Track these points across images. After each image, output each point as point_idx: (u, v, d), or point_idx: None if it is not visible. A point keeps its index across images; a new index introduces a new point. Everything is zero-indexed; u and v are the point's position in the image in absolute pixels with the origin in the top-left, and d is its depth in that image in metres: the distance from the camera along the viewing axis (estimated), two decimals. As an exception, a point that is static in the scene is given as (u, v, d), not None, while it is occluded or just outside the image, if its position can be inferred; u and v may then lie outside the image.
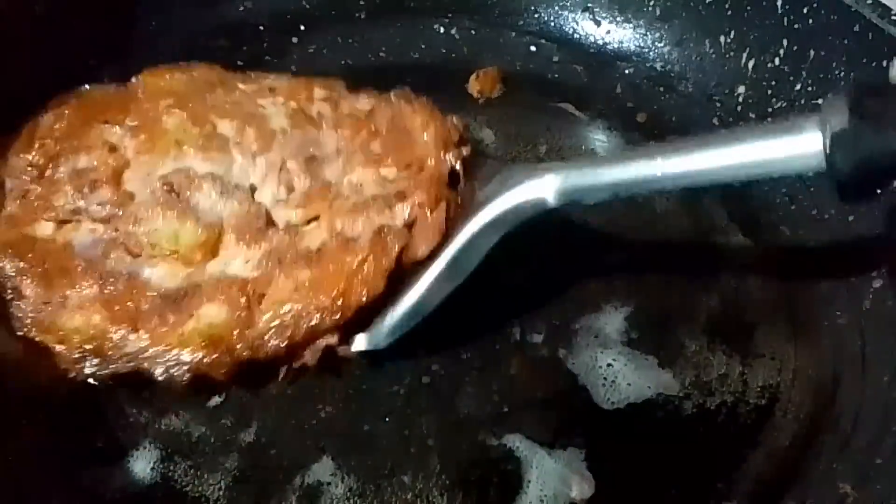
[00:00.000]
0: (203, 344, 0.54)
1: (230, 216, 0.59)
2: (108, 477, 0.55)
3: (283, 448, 0.57)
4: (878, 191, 0.49)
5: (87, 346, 0.55)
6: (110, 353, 0.55)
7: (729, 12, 0.77)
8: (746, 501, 0.55)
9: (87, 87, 0.67)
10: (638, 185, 0.53)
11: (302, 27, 0.84)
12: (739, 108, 0.76)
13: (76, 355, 0.55)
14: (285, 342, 0.55)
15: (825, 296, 0.64)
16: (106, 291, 0.56)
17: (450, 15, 0.85)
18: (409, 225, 0.59)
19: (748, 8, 0.75)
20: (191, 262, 0.58)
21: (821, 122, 0.46)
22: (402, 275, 0.58)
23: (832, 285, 0.64)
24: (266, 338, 0.55)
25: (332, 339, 0.56)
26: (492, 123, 0.78)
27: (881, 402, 0.56)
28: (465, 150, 0.64)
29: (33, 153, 0.62)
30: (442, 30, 0.85)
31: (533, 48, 0.84)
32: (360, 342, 0.58)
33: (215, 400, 0.59)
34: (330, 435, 0.58)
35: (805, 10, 0.70)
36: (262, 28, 0.83)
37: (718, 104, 0.77)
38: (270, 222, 0.60)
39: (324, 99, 0.68)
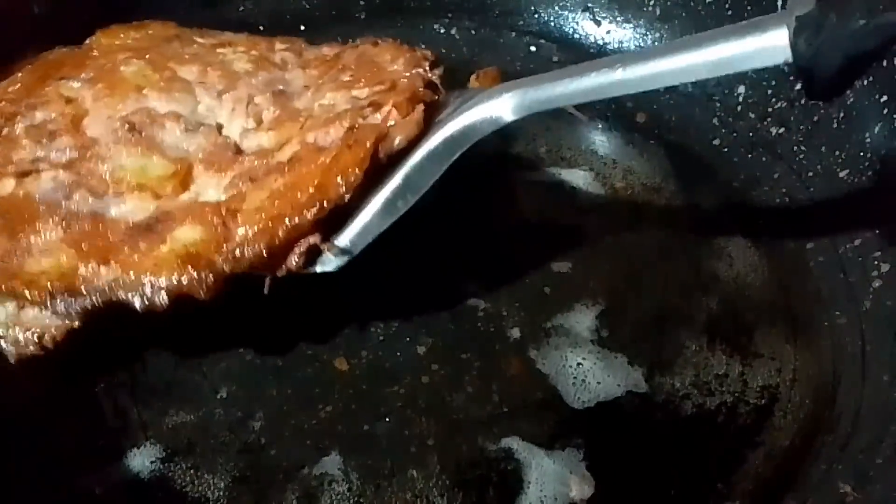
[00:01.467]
0: (180, 264, 0.52)
1: (197, 150, 0.58)
2: (109, 477, 0.55)
3: (283, 448, 0.57)
4: (845, 86, 0.49)
5: (57, 283, 0.53)
6: (82, 287, 0.53)
7: (729, 12, 0.77)
8: (746, 502, 0.55)
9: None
10: (598, 93, 0.53)
11: (302, 27, 0.84)
12: (739, 108, 0.76)
13: (45, 296, 0.53)
14: (266, 247, 0.53)
15: (825, 296, 0.64)
16: (71, 231, 0.54)
17: (450, 15, 0.85)
18: (389, 128, 0.57)
19: (748, 8, 0.75)
20: (160, 195, 0.56)
21: (786, 15, 0.46)
22: (380, 169, 0.56)
23: (832, 285, 0.64)
24: (245, 247, 0.53)
25: (314, 239, 0.54)
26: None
27: (881, 402, 0.56)
28: (438, 71, 0.63)
29: None
30: (442, 30, 0.85)
31: (533, 48, 0.84)
32: (339, 241, 0.56)
33: (216, 398, 0.59)
34: (330, 435, 0.58)
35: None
36: (261, 28, 0.83)
37: (718, 104, 0.77)
38: (239, 151, 0.58)
39: (285, 49, 0.67)
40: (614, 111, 0.79)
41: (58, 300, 0.52)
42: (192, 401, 0.59)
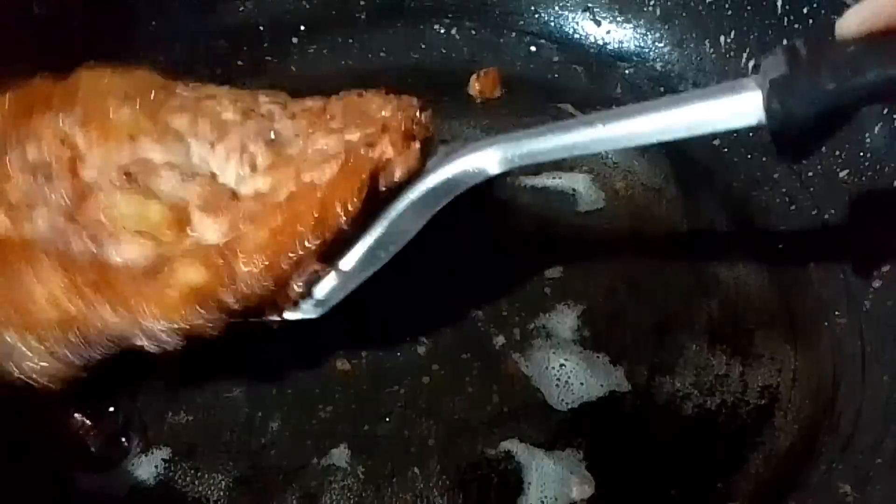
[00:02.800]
0: (188, 305, 0.53)
1: (194, 197, 0.58)
2: (109, 477, 0.55)
3: (284, 449, 0.57)
4: (815, 148, 0.51)
5: (69, 336, 0.53)
6: (92, 338, 0.53)
7: (729, 12, 0.77)
8: (746, 502, 0.55)
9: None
10: (578, 149, 0.54)
11: (302, 28, 0.84)
12: (739, 108, 0.76)
13: (55, 348, 0.53)
14: (271, 279, 0.54)
15: (825, 297, 0.64)
16: (72, 277, 0.54)
17: (450, 16, 0.85)
18: (385, 161, 0.57)
19: (748, 8, 0.75)
20: (160, 241, 0.56)
21: (760, 79, 0.48)
22: (379, 202, 0.57)
23: (832, 287, 0.64)
24: (252, 282, 0.54)
25: (316, 266, 0.55)
26: (492, 125, 0.79)
27: (881, 403, 0.56)
28: (427, 113, 0.63)
29: None
30: (442, 31, 0.85)
31: (533, 49, 0.84)
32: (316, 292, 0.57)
33: (216, 399, 0.59)
34: (330, 436, 0.58)
35: (805, 10, 0.70)
36: (262, 29, 0.83)
37: (718, 104, 0.77)
38: (237, 196, 0.59)
39: (269, 102, 0.67)
40: (614, 112, 0.79)
41: (69, 351, 0.53)
42: (192, 402, 0.59)
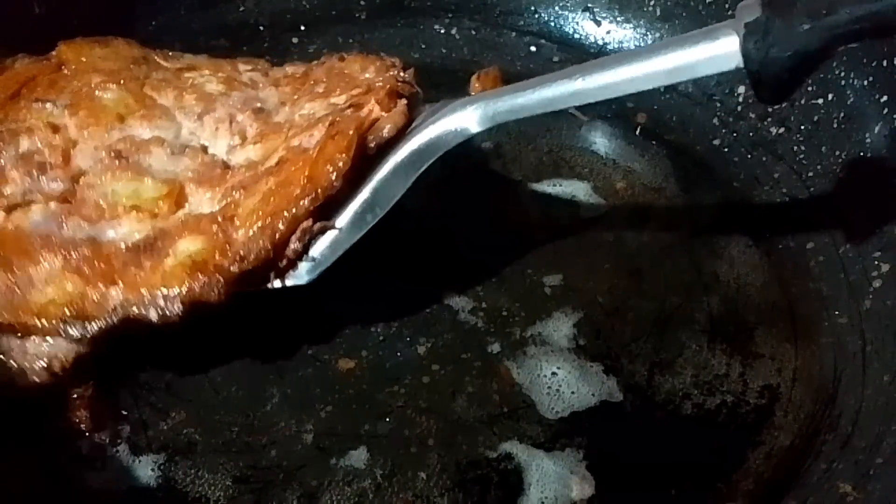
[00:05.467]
0: (188, 273, 0.53)
1: (185, 170, 0.59)
2: (110, 477, 0.55)
3: (284, 448, 0.57)
4: (793, 89, 0.51)
5: (68, 312, 0.53)
6: (93, 311, 0.54)
7: (729, 12, 0.76)
8: (747, 501, 0.55)
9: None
10: (560, 102, 0.55)
11: (302, 27, 0.84)
12: (739, 108, 0.76)
13: (58, 324, 0.53)
14: (269, 242, 0.54)
15: (825, 296, 0.64)
16: (71, 259, 0.55)
17: (450, 15, 0.85)
18: (371, 120, 0.58)
19: (748, 8, 0.75)
20: (156, 215, 0.57)
21: (736, 23, 0.49)
22: (369, 159, 0.57)
23: (832, 286, 0.64)
24: (250, 246, 0.54)
25: (309, 223, 0.55)
26: (492, 124, 0.79)
27: (881, 401, 0.56)
28: (409, 72, 0.64)
29: None
30: (442, 30, 0.85)
31: (533, 48, 0.84)
32: (312, 251, 0.57)
33: (216, 398, 0.59)
34: (330, 435, 0.58)
35: (805, 10, 0.70)
36: (262, 28, 0.83)
37: (718, 104, 0.77)
38: (227, 167, 0.59)
39: (251, 70, 0.68)
40: (615, 112, 0.79)
41: (71, 326, 0.53)
42: (192, 401, 0.59)
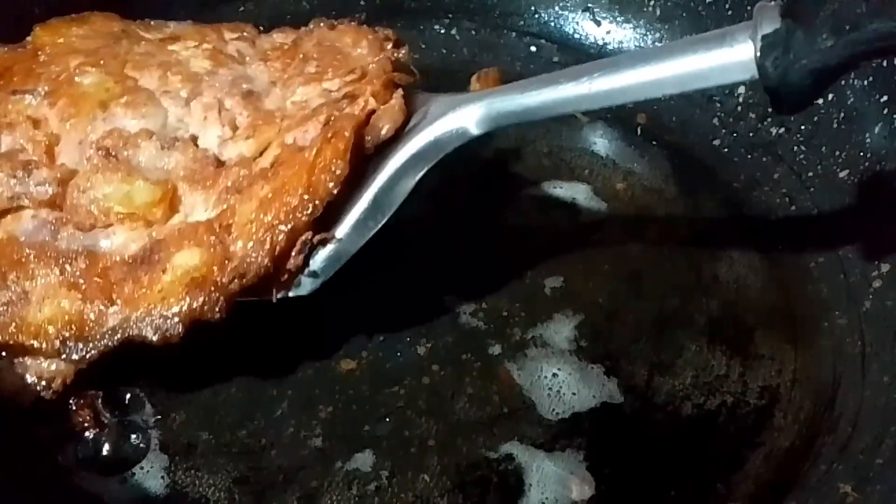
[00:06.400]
0: (187, 290, 0.52)
1: (177, 167, 0.56)
2: (110, 478, 0.55)
3: (284, 449, 0.57)
4: (811, 101, 0.48)
5: (66, 333, 0.52)
6: (92, 332, 0.52)
7: (729, 12, 0.77)
8: (746, 502, 0.55)
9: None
10: (564, 107, 0.52)
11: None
12: (739, 108, 0.76)
13: (57, 346, 0.52)
14: (268, 256, 0.52)
15: (825, 297, 0.64)
16: (67, 273, 0.53)
17: (450, 16, 0.85)
18: (368, 115, 0.56)
19: (748, 8, 0.74)
20: (151, 222, 0.55)
21: (752, 29, 0.45)
22: (366, 156, 0.55)
23: (832, 287, 0.64)
24: (248, 261, 0.52)
25: (309, 235, 0.54)
26: (492, 124, 0.79)
27: (881, 403, 0.56)
28: (403, 49, 0.62)
29: None
30: (442, 30, 0.85)
31: (533, 49, 0.84)
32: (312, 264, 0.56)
33: (216, 399, 0.59)
34: (330, 436, 0.58)
35: (805, 11, 0.70)
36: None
37: (718, 104, 0.77)
38: (220, 164, 0.57)
39: (237, 38, 0.65)
40: (615, 113, 0.79)
41: (71, 349, 0.52)
42: (192, 402, 0.59)
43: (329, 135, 0.55)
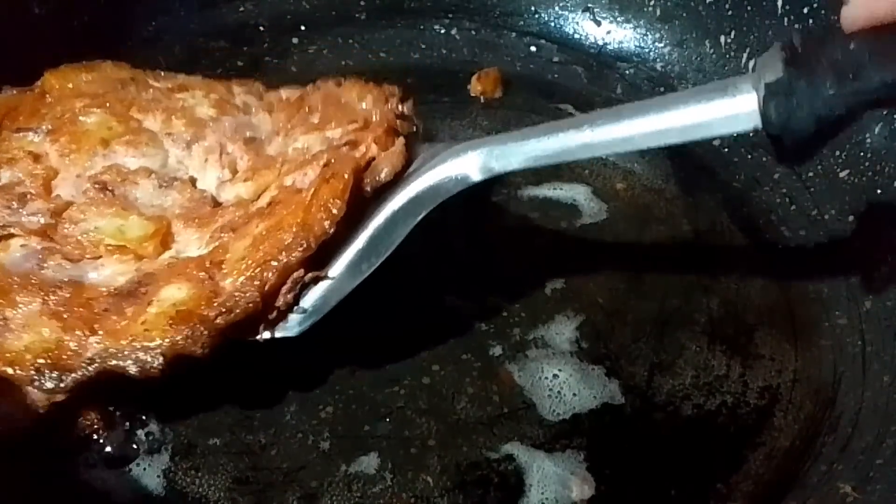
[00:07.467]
0: (172, 324, 0.50)
1: (173, 206, 0.56)
2: (109, 478, 0.55)
3: (284, 449, 0.57)
4: (816, 150, 0.48)
5: (41, 361, 0.50)
6: (69, 361, 0.50)
7: (729, 12, 0.77)
8: (747, 502, 0.55)
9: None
10: (565, 155, 0.52)
11: (302, 28, 0.84)
12: (740, 108, 0.76)
13: (32, 374, 0.50)
14: (258, 291, 0.51)
15: (825, 297, 0.64)
16: (50, 302, 0.52)
17: (450, 16, 0.85)
18: (368, 160, 0.55)
19: (748, 8, 0.75)
20: (142, 256, 0.54)
21: (755, 79, 0.45)
22: (365, 202, 0.55)
23: (832, 286, 0.64)
24: (237, 296, 0.51)
25: (301, 274, 0.53)
26: (492, 124, 0.79)
27: (881, 402, 0.56)
28: (409, 104, 0.62)
29: None
30: (442, 31, 0.85)
31: (533, 49, 0.84)
32: (304, 302, 0.55)
33: (216, 399, 0.59)
34: (330, 436, 0.58)
35: (805, 10, 0.70)
36: (262, 29, 0.83)
37: (719, 105, 0.77)
38: (217, 204, 0.56)
39: (244, 92, 0.65)
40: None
41: (45, 377, 0.50)
42: (192, 401, 0.59)
43: (327, 176, 0.54)
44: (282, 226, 0.53)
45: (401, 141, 0.57)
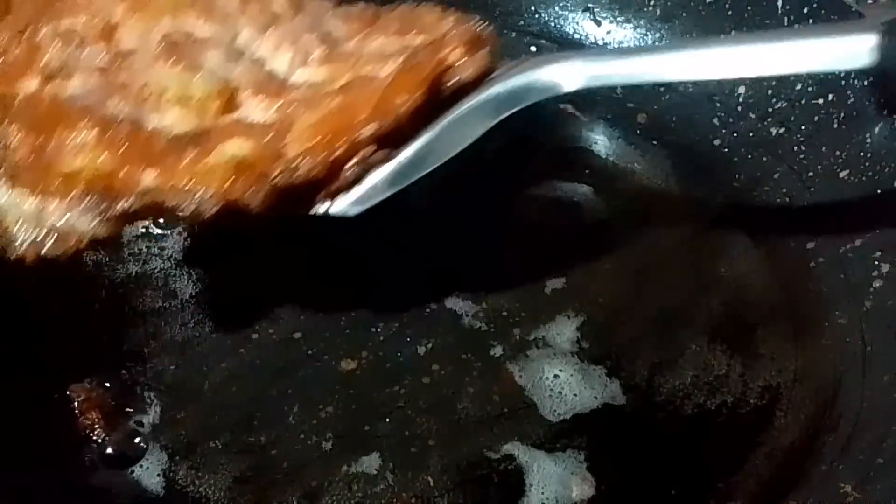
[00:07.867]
0: (231, 173, 0.49)
1: (241, 76, 0.54)
2: (109, 478, 0.55)
3: (284, 448, 0.57)
4: None
5: (94, 182, 0.49)
6: (122, 189, 0.49)
7: (729, 12, 0.77)
8: (747, 502, 0.55)
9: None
10: (667, 75, 0.52)
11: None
12: (739, 108, 0.76)
13: (82, 194, 0.49)
14: (324, 160, 0.49)
15: (826, 296, 0.64)
16: (107, 134, 0.50)
17: (450, 16, 0.85)
18: (450, 64, 0.53)
19: (748, 8, 0.75)
20: (204, 115, 0.52)
21: (870, 21, 0.46)
22: (441, 100, 0.52)
23: (833, 286, 0.64)
24: (303, 160, 0.49)
25: (371, 150, 0.51)
26: (492, 124, 0.78)
27: (882, 402, 0.56)
28: (491, 31, 0.58)
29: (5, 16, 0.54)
30: (442, 30, 0.85)
31: (533, 49, 0.84)
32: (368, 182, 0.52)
33: (216, 399, 0.59)
34: (331, 435, 0.58)
35: (805, 10, 0.70)
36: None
37: (718, 104, 0.77)
38: (286, 83, 0.54)
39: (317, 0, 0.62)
40: (615, 112, 0.79)
41: (95, 198, 0.49)
42: (192, 401, 0.59)
43: (409, 65, 0.52)
44: (355, 105, 0.51)
45: (485, 49, 0.55)
